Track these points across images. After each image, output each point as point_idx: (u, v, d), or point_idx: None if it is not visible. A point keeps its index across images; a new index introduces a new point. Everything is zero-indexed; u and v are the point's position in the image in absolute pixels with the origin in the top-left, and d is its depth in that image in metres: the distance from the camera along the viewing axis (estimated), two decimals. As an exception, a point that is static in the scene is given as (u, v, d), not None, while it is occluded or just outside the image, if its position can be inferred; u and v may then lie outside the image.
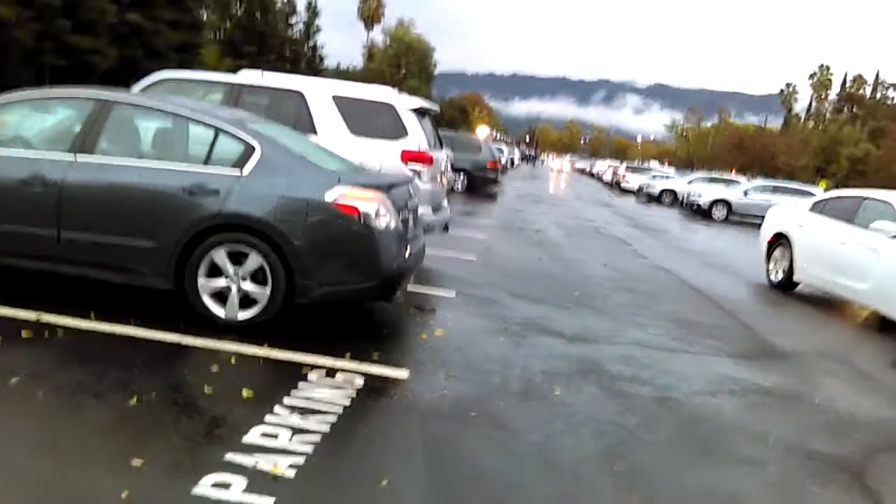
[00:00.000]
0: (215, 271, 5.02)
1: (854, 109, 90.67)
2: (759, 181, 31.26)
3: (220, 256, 4.99)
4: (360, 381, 4.42)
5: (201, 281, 5.01)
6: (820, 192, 27.21)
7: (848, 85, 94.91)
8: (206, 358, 4.56)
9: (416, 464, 3.52)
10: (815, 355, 6.92)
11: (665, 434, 4.33)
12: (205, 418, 3.68)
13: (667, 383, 5.29)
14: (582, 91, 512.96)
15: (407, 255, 5.43)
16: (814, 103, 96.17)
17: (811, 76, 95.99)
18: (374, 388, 4.38)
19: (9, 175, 5.12)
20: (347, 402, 4.08)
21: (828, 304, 9.74)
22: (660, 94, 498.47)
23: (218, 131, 5.24)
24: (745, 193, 26.52)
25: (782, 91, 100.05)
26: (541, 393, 4.75)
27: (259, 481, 3.09)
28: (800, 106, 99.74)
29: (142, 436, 3.40)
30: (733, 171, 60.13)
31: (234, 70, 10.35)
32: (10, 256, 5.19)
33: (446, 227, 8.94)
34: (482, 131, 44.40)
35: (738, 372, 5.85)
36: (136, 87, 8.35)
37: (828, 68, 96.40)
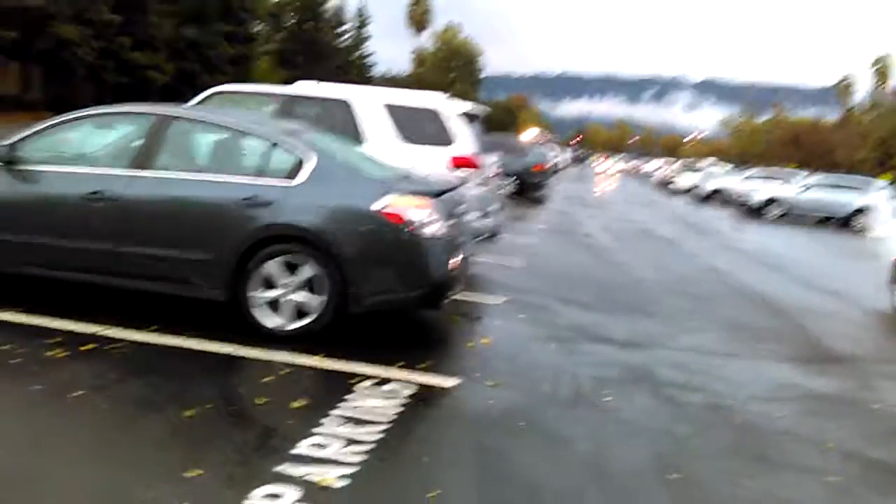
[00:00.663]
0: (268, 282, 5.11)
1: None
2: (818, 177, 30.30)
3: (273, 267, 5.09)
4: (409, 391, 4.45)
5: (255, 292, 5.11)
6: (884, 185, 26.30)
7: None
8: (259, 369, 4.65)
9: (466, 474, 3.53)
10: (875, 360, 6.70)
11: (719, 443, 4.25)
12: (257, 429, 3.76)
13: (720, 390, 5.19)
14: (631, 89, 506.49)
15: (455, 263, 5.44)
16: (874, 93, 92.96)
17: (874, 63, 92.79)
18: (424, 398, 4.41)
19: (71, 191, 5.31)
20: (397, 412, 4.11)
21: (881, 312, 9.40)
22: (711, 89, 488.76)
23: (271, 143, 5.35)
24: (805, 189, 25.68)
25: (839, 83, 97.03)
26: (591, 401, 4.71)
27: (310, 492, 3.14)
28: (857, 98, 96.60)
29: (196, 447, 3.49)
30: (792, 166, 58.53)
31: (286, 81, 10.54)
32: (71, 271, 5.38)
33: (495, 234, 8.93)
34: (530, 133, 44.09)
35: (795, 377, 5.70)
36: (193, 102, 8.58)
37: (886, 58, 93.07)
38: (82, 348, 4.63)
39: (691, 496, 3.50)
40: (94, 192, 5.22)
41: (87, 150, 5.82)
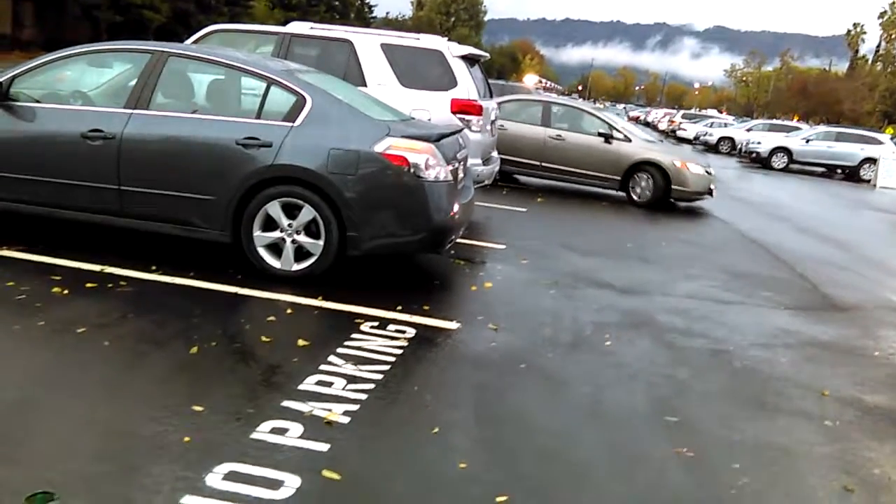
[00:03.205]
0: (270, 224, 5.10)
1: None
2: (822, 128, 30.09)
3: (274, 209, 5.07)
4: (411, 332, 4.48)
5: (256, 233, 5.11)
6: (887, 139, 26.17)
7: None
8: (263, 308, 4.68)
9: (465, 413, 3.57)
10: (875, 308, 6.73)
11: (718, 387, 4.30)
12: (262, 366, 3.79)
13: (720, 335, 5.23)
14: (637, 35, 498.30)
15: (457, 207, 5.42)
16: (882, 44, 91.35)
17: (881, 15, 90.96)
18: (426, 339, 4.44)
19: (69, 129, 5.24)
20: (399, 352, 4.15)
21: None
22: (719, 36, 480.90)
23: (271, 82, 5.27)
24: (807, 141, 25.58)
25: (849, 31, 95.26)
26: (591, 345, 4.75)
27: (315, 427, 3.18)
28: (867, 48, 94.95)
29: (202, 383, 3.53)
30: (796, 118, 58.07)
31: (283, 23, 10.34)
32: (73, 210, 5.35)
33: (496, 179, 8.88)
34: (529, 79, 43.50)
35: (795, 324, 5.74)
36: (189, 41, 8.43)
37: (895, 8, 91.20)
38: (86, 285, 4.64)
39: (689, 439, 3.54)
40: (93, 130, 5.16)
41: (83, 88, 5.73)
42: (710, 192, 11.60)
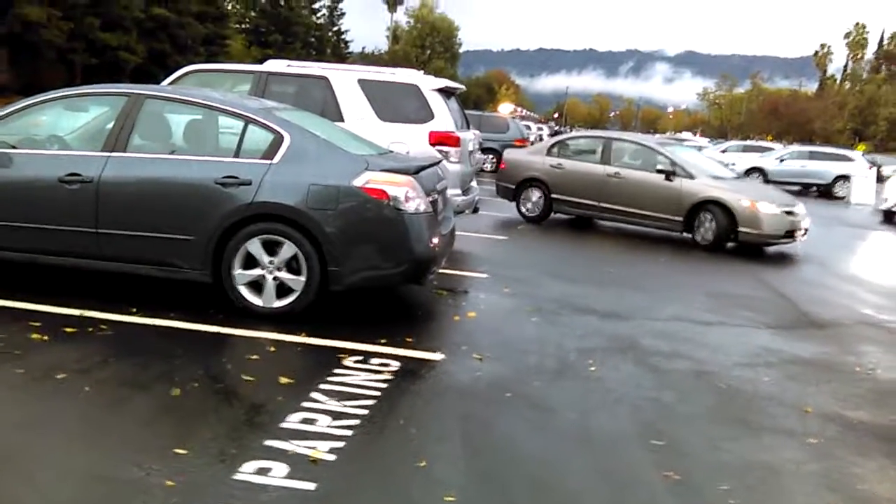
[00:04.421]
0: (251, 262, 5.09)
1: (892, 68, 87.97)
2: (795, 147, 30.59)
3: (254, 247, 5.06)
4: (395, 365, 4.47)
5: (237, 272, 5.09)
6: (859, 156, 26.65)
7: (885, 43, 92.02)
8: (245, 347, 4.65)
9: (453, 445, 3.56)
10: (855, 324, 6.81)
11: (703, 408, 4.32)
12: (245, 406, 3.76)
13: (703, 357, 5.26)
14: (610, 62, 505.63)
15: (438, 238, 5.44)
16: (850, 64, 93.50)
17: (846, 35, 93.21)
18: (410, 372, 4.43)
19: (46, 174, 5.23)
20: (385, 386, 4.13)
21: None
22: (690, 61, 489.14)
23: (248, 121, 5.30)
24: (781, 160, 25.99)
25: (816, 52, 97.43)
26: (576, 371, 4.76)
27: (300, 466, 3.16)
28: (835, 67, 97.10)
29: (185, 425, 3.49)
30: (769, 139, 59.00)
31: (260, 61, 10.42)
32: (52, 255, 5.31)
33: (476, 209, 8.94)
34: (504, 108, 43.88)
35: (776, 343, 5.79)
36: (165, 82, 8.46)
37: (864, 27, 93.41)
38: (66, 330, 4.59)
39: (675, 462, 3.55)
40: (70, 174, 5.15)
41: (60, 133, 5.73)
42: (790, 236, 10.28)
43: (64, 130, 5.79)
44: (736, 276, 8.75)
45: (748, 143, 37.08)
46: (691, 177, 10.54)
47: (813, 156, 26.05)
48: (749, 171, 25.67)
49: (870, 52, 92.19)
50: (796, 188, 25.52)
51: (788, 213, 10.26)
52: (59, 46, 34.06)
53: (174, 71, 8.87)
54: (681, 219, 10.46)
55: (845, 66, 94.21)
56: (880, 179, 24.45)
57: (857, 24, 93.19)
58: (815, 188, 25.27)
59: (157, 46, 38.95)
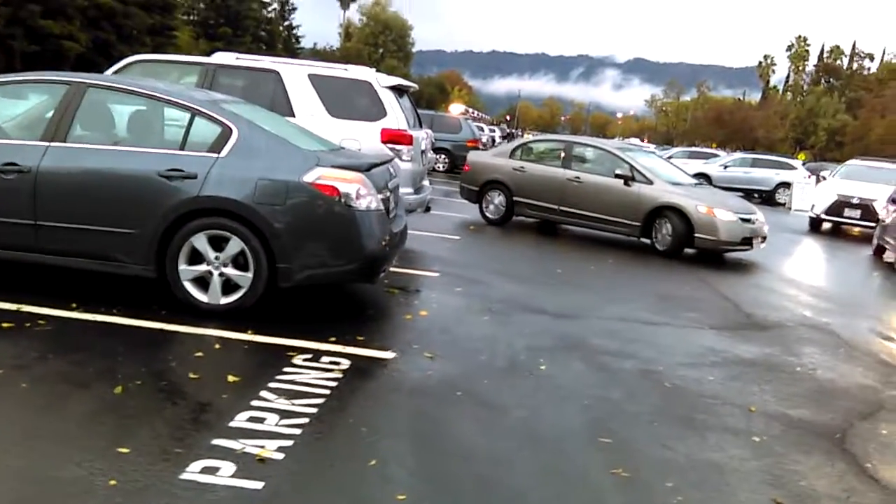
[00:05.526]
0: (196, 257, 4.98)
1: (831, 81, 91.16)
2: (739, 155, 31.40)
3: (200, 242, 4.95)
4: (345, 364, 4.42)
5: (182, 267, 4.97)
6: (799, 164, 27.51)
7: (825, 56, 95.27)
8: (190, 344, 4.54)
9: (403, 443, 3.53)
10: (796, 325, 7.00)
11: (650, 407, 4.38)
12: (191, 404, 3.67)
13: (650, 356, 5.34)
14: (561, 67, 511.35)
15: (389, 236, 5.41)
16: (791, 75, 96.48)
17: (788, 48, 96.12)
18: (360, 370, 4.39)
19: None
20: (334, 385, 4.08)
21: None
22: (639, 68, 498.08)
23: (195, 113, 5.17)
24: (725, 167, 26.65)
25: (760, 63, 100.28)
26: (526, 369, 4.78)
27: (248, 465, 3.09)
28: (777, 78, 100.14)
29: (128, 423, 3.38)
30: (714, 146, 60.48)
31: (208, 53, 10.21)
32: (-13, 247, 5.11)
33: (428, 208, 8.93)
34: (455, 108, 43.93)
35: (721, 343, 5.92)
36: (109, 72, 8.22)
37: (805, 39, 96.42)
38: (2, 325, 4.42)
39: (623, 459, 3.59)
40: (7, 164, 4.96)
41: (-2, 121, 5.51)
42: (747, 243, 10.23)
43: (1, 118, 5.57)
44: (682, 278, 8.92)
45: (693, 149, 37.89)
46: (650, 182, 10.47)
47: (756, 163, 26.77)
48: (694, 177, 26.24)
49: (811, 65, 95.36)
50: (739, 194, 26.25)
51: (746, 220, 10.22)
52: (-3, 32, 32.85)
53: (119, 61, 8.63)
54: (639, 224, 10.39)
55: (787, 78, 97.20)
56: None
57: (799, 37, 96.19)
58: (757, 195, 25.98)
59: (101, 35, 37.80)
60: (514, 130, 69.29)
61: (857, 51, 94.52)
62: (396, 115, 8.01)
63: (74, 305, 4.88)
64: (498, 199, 11.77)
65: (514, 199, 11.57)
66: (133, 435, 3.24)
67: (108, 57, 32.18)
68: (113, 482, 2.83)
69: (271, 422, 3.53)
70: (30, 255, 5.12)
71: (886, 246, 12.24)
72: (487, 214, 11.87)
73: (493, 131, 41.81)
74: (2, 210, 5.01)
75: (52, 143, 5.03)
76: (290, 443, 3.34)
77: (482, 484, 3.23)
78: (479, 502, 3.08)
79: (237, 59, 8.58)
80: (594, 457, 3.62)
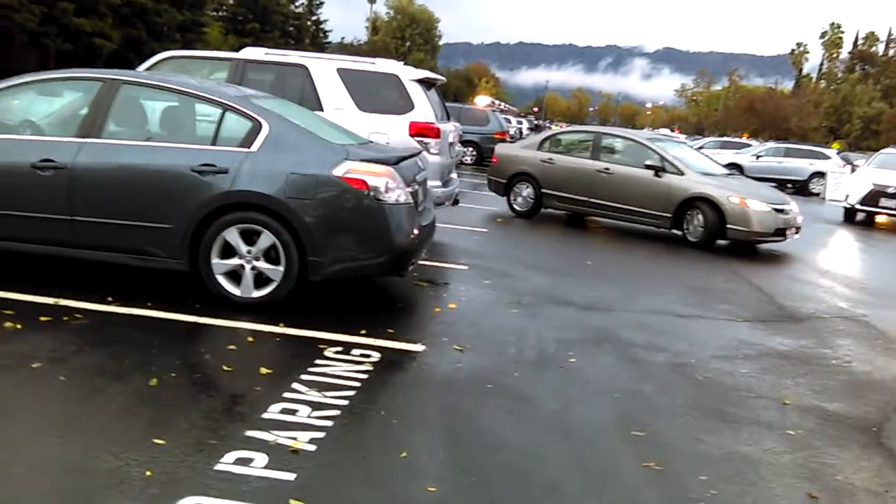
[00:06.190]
0: (229, 251, 5.03)
1: (866, 68, 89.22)
2: (771, 144, 30.89)
3: (232, 236, 5.00)
4: (376, 356, 4.44)
5: (215, 261, 5.03)
6: (833, 153, 26.99)
7: (860, 43, 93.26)
8: (224, 337, 4.60)
9: (433, 435, 3.54)
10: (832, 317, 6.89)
11: (682, 400, 4.34)
12: (224, 396, 3.72)
13: (682, 349, 5.29)
14: (589, 57, 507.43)
15: (418, 229, 5.41)
16: (825, 63, 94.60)
17: (822, 35, 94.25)
18: (391, 362, 4.41)
19: (18, 159, 5.12)
20: (364, 377, 4.10)
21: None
22: (668, 57, 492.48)
23: (226, 108, 5.22)
24: (757, 157, 26.23)
25: (793, 51, 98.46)
26: (556, 362, 4.76)
27: (280, 456, 3.12)
28: (810, 66, 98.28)
29: (163, 415, 3.44)
30: (745, 136, 59.60)
31: (238, 49, 10.29)
32: (25, 242, 5.21)
33: (456, 200, 8.92)
34: (481, 100, 43.74)
35: (754, 336, 5.84)
36: (141, 68, 8.33)
37: (839, 26, 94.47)
38: (40, 319, 4.51)
39: (656, 452, 3.56)
40: (44, 160, 5.05)
41: (33, 118, 5.61)
42: (781, 234, 10.10)
43: (37, 115, 5.67)
44: (714, 270, 8.82)
45: (725, 139, 37.35)
46: (680, 173, 10.36)
47: (789, 153, 26.31)
48: (726, 167, 25.89)
49: (845, 52, 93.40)
50: (772, 185, 25.87)
51: (779, 210, 10.07)
52: (31, 31, 33.42)
53: (150, 57, 8.73)
54: (670, 215, 10.26)
55: (821, 65, 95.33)
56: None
57: (833, 23, 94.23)
58: (791, 185, 25.57)
59: (132, 33, 38.32)
60: (541, 122, 68.94)
61: (892, 37, 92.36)
62: (424, 108, 8.01)
63: (110, 299, 4.96)
64: (526, 191, 11.71)
65: (543, 191, 11.50)
66: (168, 426, 3.29)
67: (139, 53, 32.67)
68: (148, 473, 2.88)
69: (303, 414, 3.56)
70: (66, 250, 5.21)
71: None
72: (515, 207, 11.80)
73: (521, 123, 41.62)
74: (38, 206, 5.10)
75: (87, 140, 5.12)
76: (321, 434, 3.37)
77: (513, 476, 3.23)
78: (511, 495, 3.08)
79: (266, 54, 8.64)
80: (626, 450, 3.60)
